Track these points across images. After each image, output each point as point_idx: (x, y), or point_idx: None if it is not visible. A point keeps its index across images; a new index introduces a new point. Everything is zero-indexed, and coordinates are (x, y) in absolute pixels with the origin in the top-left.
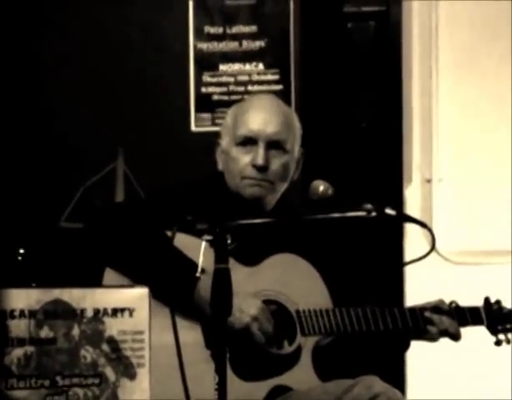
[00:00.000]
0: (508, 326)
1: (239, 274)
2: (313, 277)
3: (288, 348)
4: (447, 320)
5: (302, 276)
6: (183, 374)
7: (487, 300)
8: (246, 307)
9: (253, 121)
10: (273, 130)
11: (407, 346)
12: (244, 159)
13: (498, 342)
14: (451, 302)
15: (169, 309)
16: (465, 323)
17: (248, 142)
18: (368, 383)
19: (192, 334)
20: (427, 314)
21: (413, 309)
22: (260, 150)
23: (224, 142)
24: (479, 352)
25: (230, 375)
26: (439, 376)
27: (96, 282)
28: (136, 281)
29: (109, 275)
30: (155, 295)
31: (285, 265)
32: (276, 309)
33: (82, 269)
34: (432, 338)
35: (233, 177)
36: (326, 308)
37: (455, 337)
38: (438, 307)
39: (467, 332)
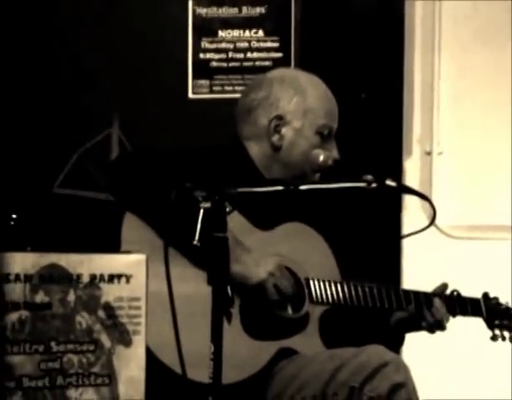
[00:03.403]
0: (504, 322)
1: (254, 237)
2: (323, 249)
3: (296, 313)
4: (444, 311)
5: (313, 246)
6: (174, 321)
7: (486, 295)
8: (264, 263)
9: (333, 113)
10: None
11: (402, 340)
12: (320, 149)
13: (494, 337)
14: (453, 291)
15: (164, 259)
16: (465, 313)
17: (325, 131)
18: (377, 351)
19: (190, 286)
20: (432, 298)
21: (417, 293)
22: (334, 143)
23: (300, 123)
24: (474, 348)
25: (240, 332)
26: (433, 370)
27: (115, 226)
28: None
29: (129, 219)
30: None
31: (297, 234)
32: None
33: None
34: (427, 326)
35: (302, 161)
36: (335, 280)
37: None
38: (440, 295)
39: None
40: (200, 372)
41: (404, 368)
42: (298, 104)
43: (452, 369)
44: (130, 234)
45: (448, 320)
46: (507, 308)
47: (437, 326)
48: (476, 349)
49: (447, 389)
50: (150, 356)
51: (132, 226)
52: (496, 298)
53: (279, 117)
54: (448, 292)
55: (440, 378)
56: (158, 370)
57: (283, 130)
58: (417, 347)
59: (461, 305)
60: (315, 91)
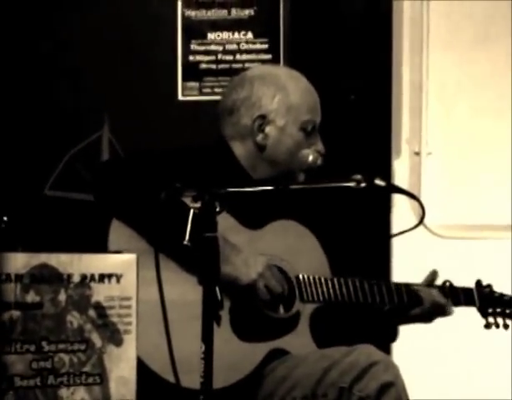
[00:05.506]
0: (498, 310)
1: (243, 236)
2: (313, 246)
3: (286, 313)
4: (436, 292)
5: (303, 244)
6: (167, 329)
7: (478, 282)
8: (253, 263)
9: (315, 107)
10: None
11: (395, 334)
12: (306, 145)
13: (487, 325)
14: (445, 281)
15: (155, 264)
16: (458, 303)
17: (308, 127)
18: (367, 350)
19: (179, 291)
20: (416, 287)
21: (408, 285)
22: (318, 136)
23: (283, 120)
24: (465, 346)
25: (230, 334)
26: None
27: (103, 233)
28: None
29: (116, 226)
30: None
31: (287, 232)
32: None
33: (90, 220)
34: (422, 314)
35: (288, 159)
36: (325, 277)
37: (445, 309)
38: (429, 283)
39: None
40: (191, 378)
41: (393, 368)
42: (281, 102)
43: (443, 368)
44: (117, 242)
45: (451, 305)
46: (501, 295)
47: (436, 310)
48: (467, 347)
49: (437, 389)
50: (140, 364)
51: (118, 233)
52: (490, 286)
53: (262, 117)
54: (439, 282)
55: (430, 378)
56: (148, 379)
57: (267, 129)
58: (407, 347)
59: (454, 295)
60: (296, 87)
